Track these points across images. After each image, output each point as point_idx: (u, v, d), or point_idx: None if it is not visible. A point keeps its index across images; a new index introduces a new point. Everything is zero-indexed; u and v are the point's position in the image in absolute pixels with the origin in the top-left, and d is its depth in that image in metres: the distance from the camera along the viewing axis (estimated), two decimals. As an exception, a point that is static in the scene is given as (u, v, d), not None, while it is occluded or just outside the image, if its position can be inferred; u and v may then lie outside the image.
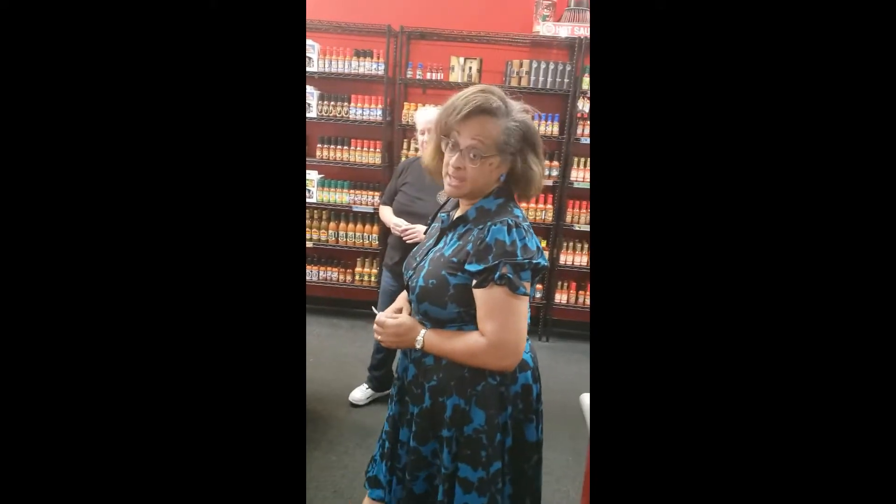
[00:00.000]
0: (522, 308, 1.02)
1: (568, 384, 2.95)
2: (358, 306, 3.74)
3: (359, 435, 2.30)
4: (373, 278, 3.60)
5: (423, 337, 1.09)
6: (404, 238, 2.17)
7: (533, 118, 1.09)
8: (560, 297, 3.55)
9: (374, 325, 1.17)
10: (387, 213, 2.33)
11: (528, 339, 1.12)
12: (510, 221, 1.02)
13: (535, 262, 1.01)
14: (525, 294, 1.01)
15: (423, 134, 2.17)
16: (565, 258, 3.48)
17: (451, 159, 1.05)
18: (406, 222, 2.17)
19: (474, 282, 1.02)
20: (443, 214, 1.19)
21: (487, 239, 1.01)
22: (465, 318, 1.06)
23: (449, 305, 1.05)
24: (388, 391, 2.58)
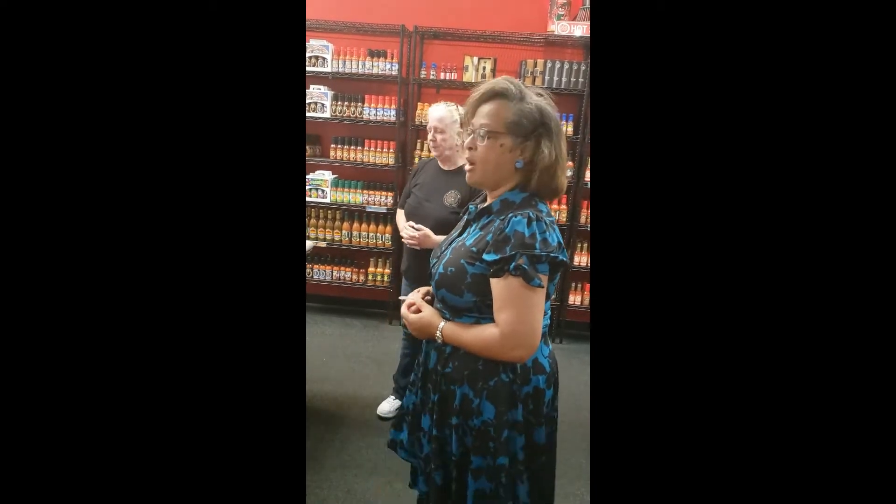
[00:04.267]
0: (537, 300, 1.02)
1: (582, 385, 2.93)
2: (371, 306, 3.75)
3: (371, 434, 2.30)
4: (386, 278, 3.60)
5: (442, 329, 1.12)
6: (407, 244, 2.11)
7: (552, 106, 1.10)
8: (574, 299, 3.52)
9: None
10: (399, 218, 2.28)
11: (549, 346, 1.16)
12: (531, 214, 1.02)
13: (553, 255, 1.01)
14: (540, 286, 1.01)
15: (431, 132, 2.11)
16: (579, 259, 3.45)
17: (465, 141, 1.09)
18: (412, 229, 2.06)
19: (491, 271, 1.02)
20: (472, 206, 1.20)
21: (507, 230, 1.01)
22: (482, 309, 1.07)
23: (465, 294, 1.07)
24: None
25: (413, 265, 2.18)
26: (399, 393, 2.49)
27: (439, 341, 1.13)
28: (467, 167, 1.11)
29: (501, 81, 1.08)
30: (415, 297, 1.22)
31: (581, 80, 3.26)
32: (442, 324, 1.12)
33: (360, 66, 3.38)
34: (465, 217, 1.20)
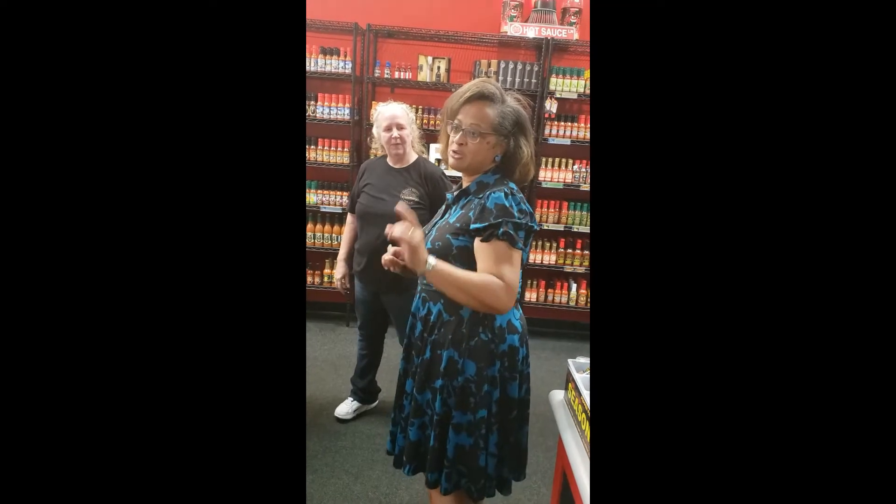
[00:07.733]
0: (518, 260, 1.19)
1: (537, 381, 2.95)
2: (327, 308, 3.69)
3: (329, 437, 2.27)
4: (342, 279, 3.55)
5: (435, 264, 1.13)
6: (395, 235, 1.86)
7: (525, 108, 1.29)
8: (529, 296, 3.57)
9: (393, 249, 1.24)
10: (350, 223, 2.29)
11: (519, 310, 1.32)
12: (506, 190, 1.20)
13: (528, 224, 1.19)
14: (521, 249, 1.19)
15: (388, 131, 2.11)
16: (534, 257, 3.50)
17: (454, 137, 1.24)
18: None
19: (478, 239, 1.18)
20: (449, 195, 1.37)
21: (488, 204, 1.18)
22: None
23: (452, 264, 1.19)
24: (375, 403, 2.52)
25: (373, 262, 2.14)
26: (357, 395, 2.46)
27: (430, 267, 1.12)
28: (453, 156, 1.24)
29: (488, 86, 1.22)
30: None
31: (534, 80, 3.31)
32: (433, 258, 1.14)
33: (312, 64, 3.32)
34: (444, 204, 1.37)
